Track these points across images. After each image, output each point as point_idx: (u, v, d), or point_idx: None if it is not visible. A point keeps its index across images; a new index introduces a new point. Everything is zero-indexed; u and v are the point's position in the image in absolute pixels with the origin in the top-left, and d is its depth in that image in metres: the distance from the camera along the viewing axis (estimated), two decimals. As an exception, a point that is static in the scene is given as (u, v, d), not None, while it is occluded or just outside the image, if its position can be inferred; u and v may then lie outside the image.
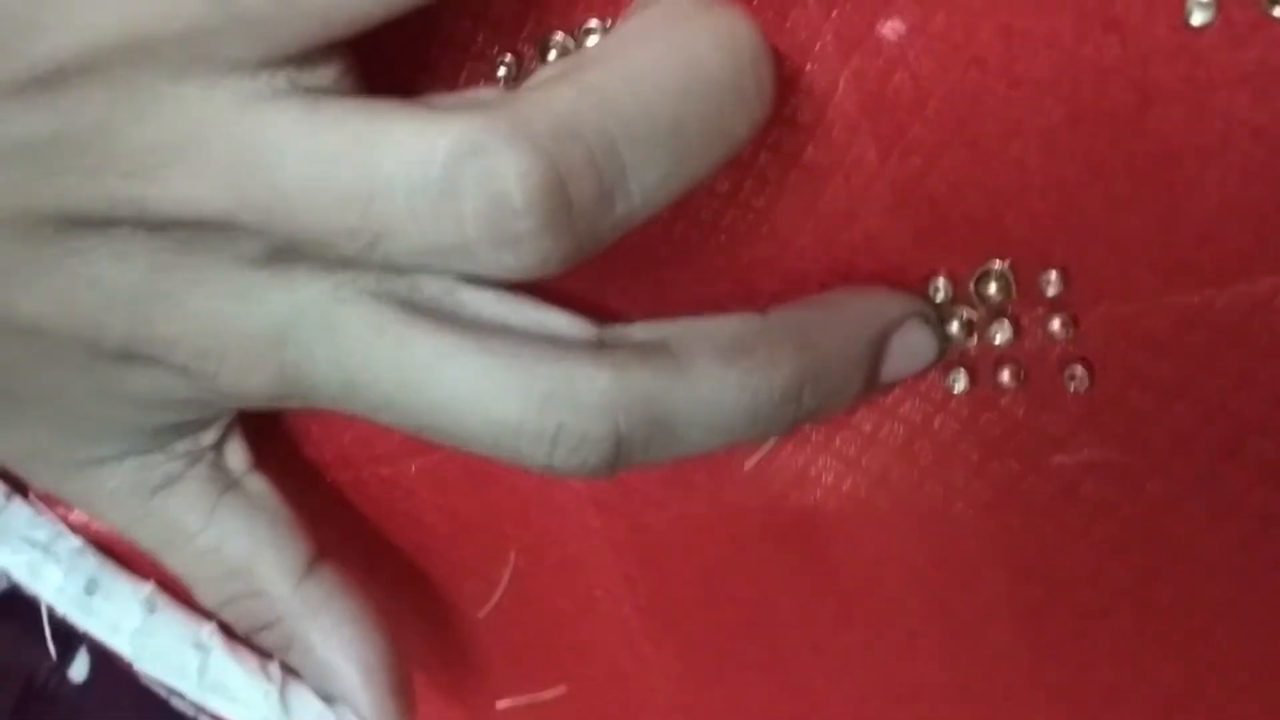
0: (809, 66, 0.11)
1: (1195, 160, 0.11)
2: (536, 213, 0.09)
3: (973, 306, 0.12)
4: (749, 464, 0.14)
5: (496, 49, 0.13)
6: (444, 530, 0.16)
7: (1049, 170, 0.11)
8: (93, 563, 0.18)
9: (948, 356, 0.13)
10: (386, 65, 0.11)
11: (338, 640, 0.14)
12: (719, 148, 0.10)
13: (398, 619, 0.15)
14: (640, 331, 0.11)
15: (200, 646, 0.18)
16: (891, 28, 0.11)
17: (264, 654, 0.18)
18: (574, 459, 0.11)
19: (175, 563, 0.14)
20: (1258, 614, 0.13)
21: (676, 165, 0.10)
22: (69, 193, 0.10)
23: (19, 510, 0.18)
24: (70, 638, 0.19)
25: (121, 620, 0.18)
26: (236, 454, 0.15)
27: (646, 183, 0.10)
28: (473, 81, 0.13)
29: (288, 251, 0.10)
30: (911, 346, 0.12)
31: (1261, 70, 0.10)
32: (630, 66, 0.10)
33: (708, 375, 0.11)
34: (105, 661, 0.19)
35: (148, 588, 0.18)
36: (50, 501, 0.18)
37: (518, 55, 0.13)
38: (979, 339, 0.13)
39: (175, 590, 0.18)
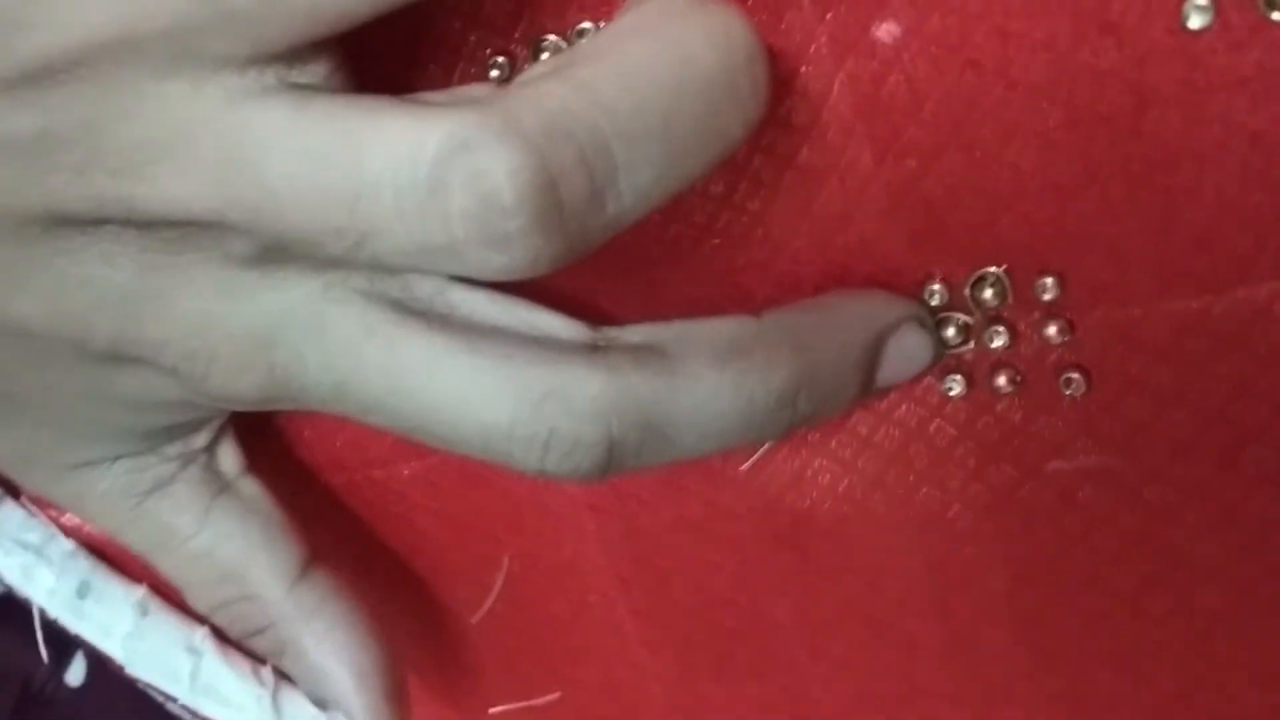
0: (804, 69, 0.11)
1: (1193, 164, 0.11)
2: (527, 211, 0.09)
3: (968, 311, 0.12)
4: (744, 467, 0.14)
5: (489, 51, 0.12)
6: (437, 534, 0.16)
7: (1045, 174, 0.11)
8: (85, 566, 0.18)
9: (944, 361, 0.13)
10: (378, 67, 0.11)
11: (331, 645, 0.14)
12: (713, 147, 0.10)
13: (391, 624, 0.15)
14: (634, 334, 0.11)
15: (193, 650, 0.17)
16: (886, 30, 0.11)
17: (257, 658, 0.18)
18: (566, 463, 0.11)
19: (167, 566, 0.14)
20: (1255, 621, 0.13)
21: (670, 164, 0.10)
22: (56, 192, 0.10)
23: (11, 513, 0.18)
24: (67, 642, 0.19)
25: (114, 624, 0.18)
26: (229, 457, 0.14)
27: (639, 182, 0.10)
28: (465, 83, 0.13)
29: (277, 251, 0.10)
30: (907, 351, 0.12)
31: (1260, 74, 0.10)
32: (623, 64, 0.09)
33: (702, 379, 0.11)
34: (102, 666, 0.19)
35: (140, 591, 0.18)
36: (43, 504, 0.18)
37: (510, 57, 0.12)
38: (975, 344, 0.13)
39: (168, 594, 0.18)
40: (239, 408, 0.13)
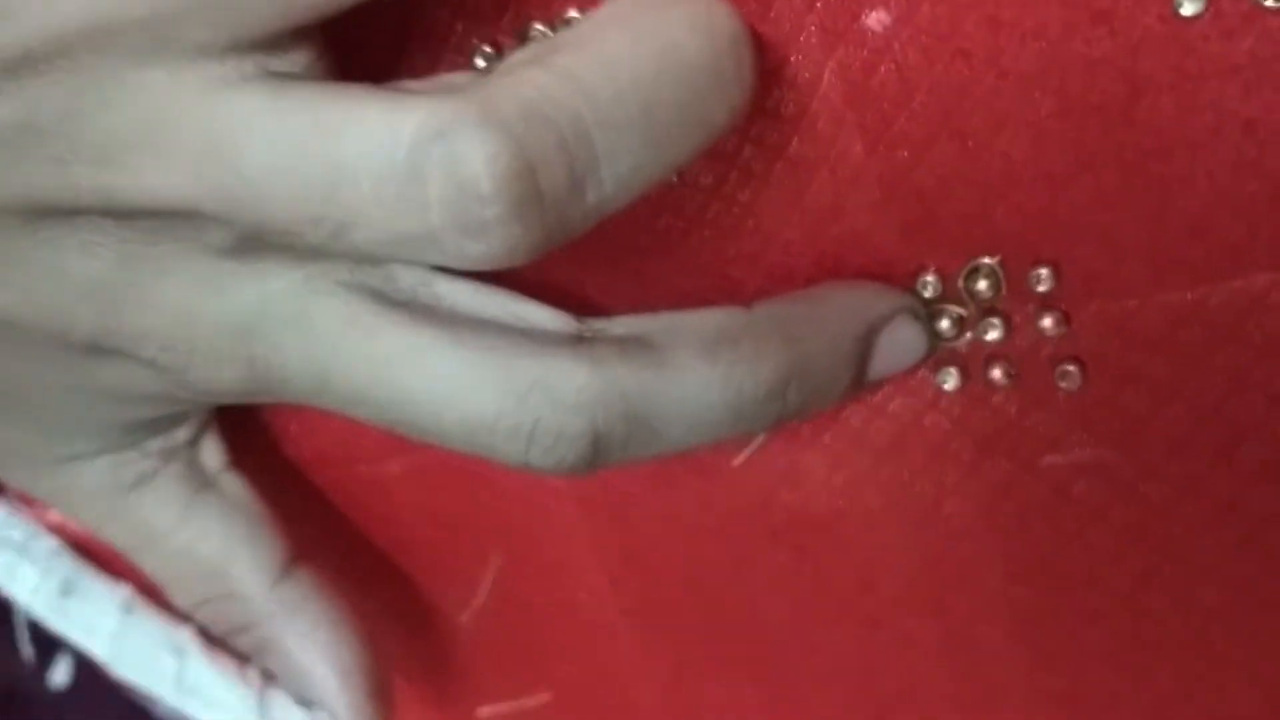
0: (793, 58, 0.11)
1: (1186, 153, 0.11)
2: (504, 199, 0.09)
3: (962, 303, 0.12)
4: (737, 461, 0.14)
5: (476, 40, 0.12)
6: (425, 531, 0.16)
7: (1038, 164, 0.11)
8: (69, 564, 0.18)
9: (938, 353, 0.13)
10: (364, 57, 0.11)
11: (314, 644, 0.14)
12: (696, 135, 0.10)
13: (377, 622, 0.15)
14: (621, 326, 0.11)
15: (178, 650, 0.17)
16: (876, 19, 0.11)
17: (242, 658, 0.18)
18: (551, 456, 0.10)
19: (149, 563, 0.14)
20: (1252, 616, 0.13)
21: (651, 152, 0.10)
22: (35, 182, 0.10)
23: (-6, 510, 0.17)
24: (53, 643, 0.19)
25: (98, 623, 0.17)
26: (212, 453, 0.14)
27: (620, 170, 0.09)
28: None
29: (257, 241, 0.10)
30: (900, 343, 0.12)
31: (1253, 61, 0.10)
32: (604, 51, 0.09)
33: (690, 370, 0.11)
34: (88, 666, 0.19)
35: (125, 590, 0.18)
36: (26, 501, 0.18)
37: (497, 46, 0.12)
38: (969, 336, 0.12)
39: (153, 593, 0.18)
40: (221, 400, 0.12)
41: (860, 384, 0.12)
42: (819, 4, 0.11)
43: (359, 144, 0.09)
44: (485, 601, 0.16)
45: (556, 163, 0.09)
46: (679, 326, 0.11)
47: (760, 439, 0.14)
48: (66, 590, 0.17)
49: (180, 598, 0.14)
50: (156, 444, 0.14)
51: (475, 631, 0.17)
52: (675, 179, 0.12)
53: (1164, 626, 0.13)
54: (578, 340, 0.11)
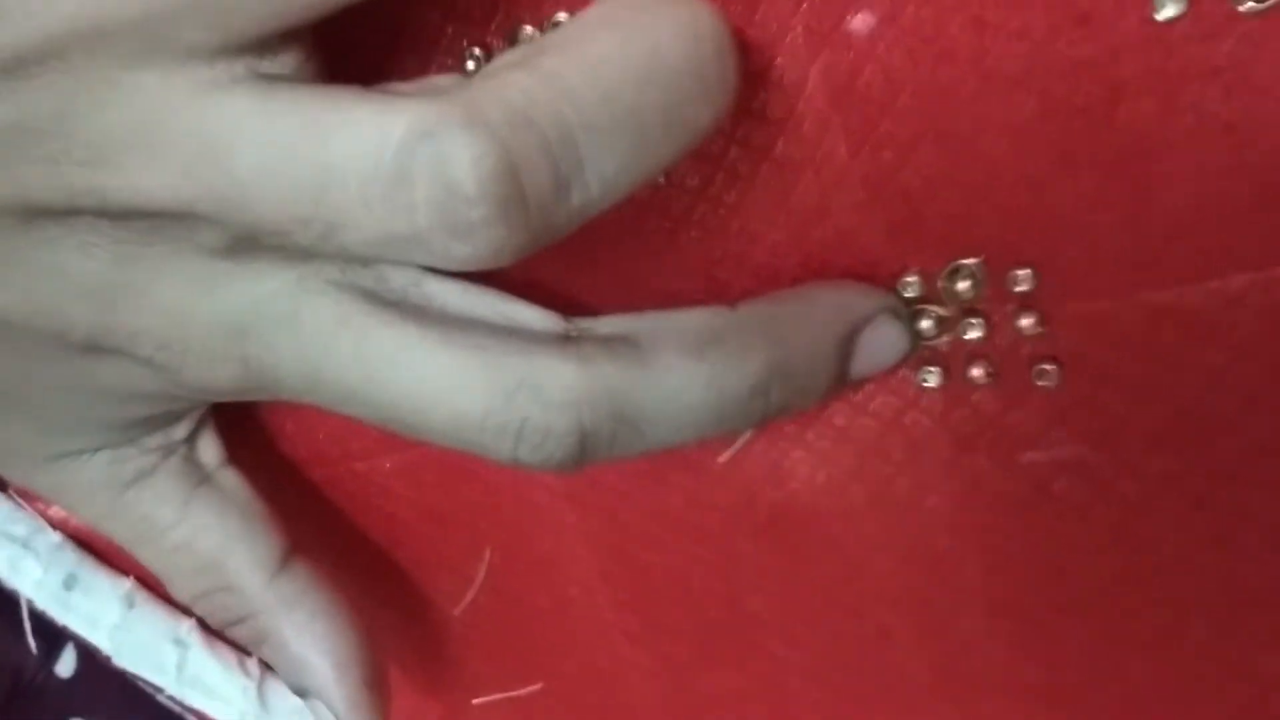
0: (778, 60, 0.11)
1: (1166, 155, 0.11)
2: (489, 200, 0.09)
3: (944, 303, 0.12)
4: (722, 459, 0.14)
5: (466, 42, 0.12)
6: (419, 527, 0.16)
7: (1020, 165, 0.11)
8: (72, 558, 0.18)
9: (919, 353, 0.13)
10: (355, 60, 0.11)
11: (310, 635, 0.14)
12: (680, 137, 0.10)
13: (373, 616, 0.15)
14: (607, 325, 0.11)
15: (179, 642, 0.18)
16: (861, 20, 0.11)
17: (242, 650, 0.18)
18: (539, 454, 0.11)
19: (149, 557, 0.14)
20: (1227, 612, 0.13)
21: (636, 155, 0.10)
22: (30, 183, 0.10)
23: (-2, 505, 0.18)
24: (58, 633, 0.19)
25: (100, 615, 0.18)
26: (209, 449, 0.15)
27: (604, 172, 0.10)
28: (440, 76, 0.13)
29: (249, 242, 0.10)
30: (882, 342, 0.12)
31: (1232, 64, 0.10)
32: (589, 54, 0.09)
33: (674, 369, 0.11)
34: (92, 657, 0.19)
35: (127, 583, 0.18)
36: (30, 497, 0.18)
37: (487, 49, 0.12)
38: (950, 335, 0.13)
39: (154, 586, 0.18)
40: (216, 398, 0.13)
41: (843, 383, 0.12)
42: (804, 6, 0.11)
43: (347, 146, 0.09)
44: (478, 595, 0.16)
45: (541, 164, 0.09)
46: (664, 326, 0.11)
47: (745, 437, 0.14)
48: (70, 584, 0.18)
49: (179, 590, 0.15)
50: (154, 440, 0.14)
51: (468, 624, 0.17)
52: (662, 180, 0.13)
53: (1140, 621, 0.13)
54: (565, 339, 0.11)
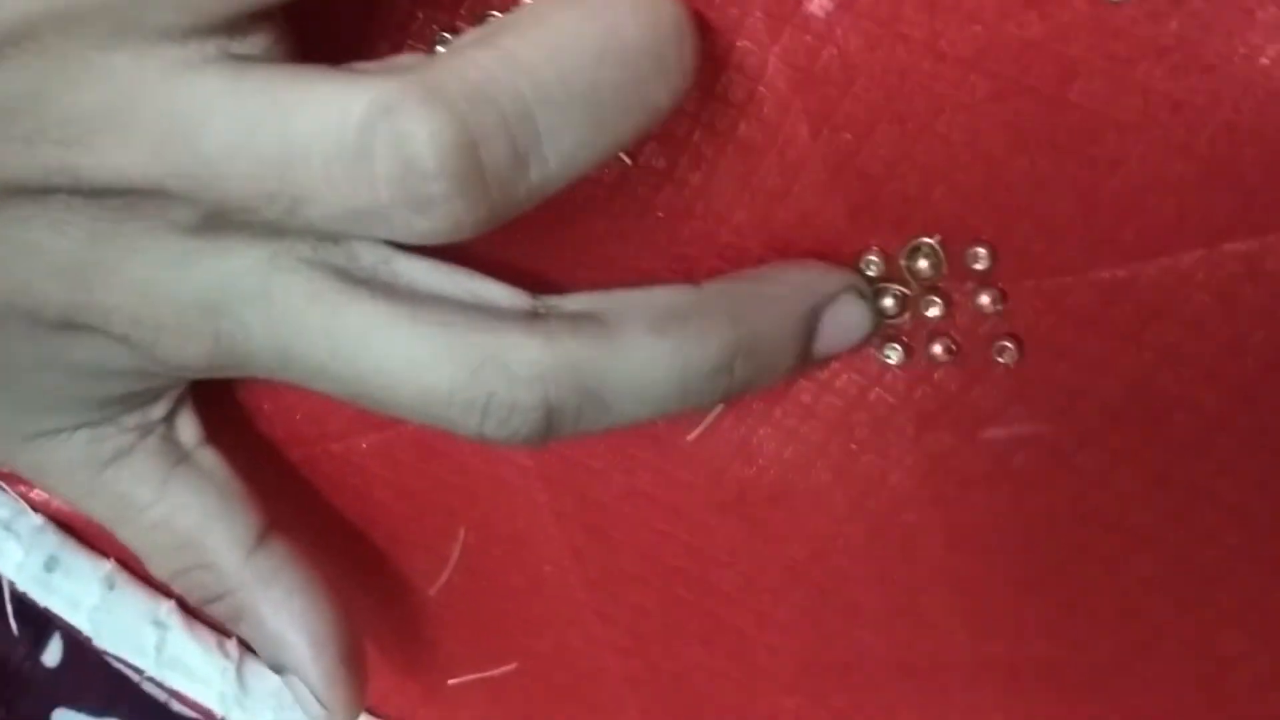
0: (739, 43, 0.12)
1: (1116, 134, 0.11)
2: (448, 175, 0.09)
3: (905, 282, 0.13)
4: (691, 436, 0.14)
5: (435, 27, 0.13)
6: (395, 507, 0.17)
7: (975, 146, 0.11)
8: (53, 540, 0.18)
9: (882, 331, 0.13)
10: (326, 43, 0.11)
11: (288, 612, 0.14)
12: (638, 115, 0.10)
13: (349, 596, 0.15)
14: (574, 302, 0.12)
15: (159, 624, 0.18)
16: (819, 4, 0.11)
17: (222, 631, 0.19)
18: (505, 428, 0.11)
19: (128, 535, 0.15)
20: (1185, 584, 0.13)
21: (593, 131, 0.10)
22: (5, 162, 0.10)
23: (-20, 488, 0.18)
24: (44, 623, 0.19)
25: (81, 597, 0.18)
26: (188, 428, 0.15)
27: (562, 148, 0.10)
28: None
29: (220, 219, 0.11)
30: (845, 320, 0.12)
31: (1179, 44, 0.10)
32: (547, 32, 0.10)
33: (639, 345, 0.11)
34: (78, 646, 0.20)
35: (107, 565, 0.18)
36: (11, 480, 0.18)
37: (456, 32, 0.13)
38: (912, 313, 0.13)
39: (135, 568, 0.19)
40: (190, 375, 0.13)
41: (806, 360, 0.12)
42: (764, -10, 0.11)
43: (310, 122, 0.10)
44: (453, 574, 0.17)
45: (499, 139, 0.09)
46: (630, 303, 0.11)
47: (714, 414, 0.14)
48: (51, 566, 0.18)
49: (158, 568, 0.15)
50: (132, 419, 0.14)
51: (443, 604, 0.17)
52: (629, 162, 0.13)
53: (1100, 594, 0.13)
54: (532, 316, 0.11)
